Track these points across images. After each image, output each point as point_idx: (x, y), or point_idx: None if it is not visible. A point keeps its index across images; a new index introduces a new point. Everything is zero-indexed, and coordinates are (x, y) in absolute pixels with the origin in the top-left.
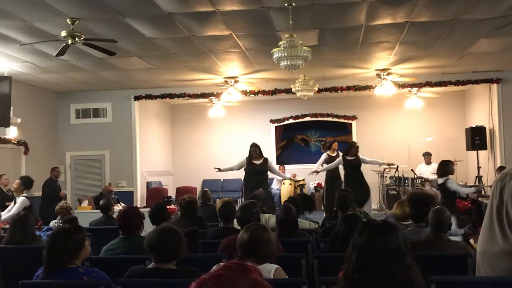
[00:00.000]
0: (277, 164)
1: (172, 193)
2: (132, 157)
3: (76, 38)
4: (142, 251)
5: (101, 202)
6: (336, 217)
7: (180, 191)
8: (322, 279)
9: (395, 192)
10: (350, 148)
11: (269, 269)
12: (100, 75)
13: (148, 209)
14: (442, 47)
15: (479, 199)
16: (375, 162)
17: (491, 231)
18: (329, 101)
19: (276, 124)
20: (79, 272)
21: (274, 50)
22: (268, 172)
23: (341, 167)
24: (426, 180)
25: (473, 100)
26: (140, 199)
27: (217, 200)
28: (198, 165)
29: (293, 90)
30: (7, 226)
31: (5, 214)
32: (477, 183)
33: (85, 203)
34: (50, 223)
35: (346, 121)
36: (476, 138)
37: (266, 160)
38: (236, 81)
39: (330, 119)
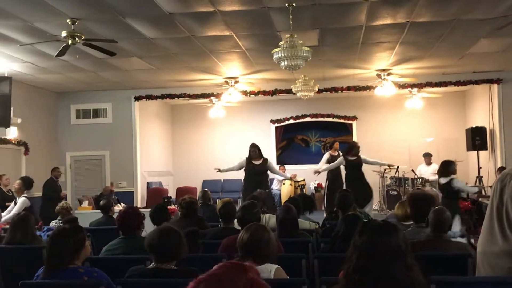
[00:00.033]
0: (277, 164)
1: (172, 193)
2: (132, 157)
3: (76, 39)
4: (143, 251)
5: (101, 202)
6: (337, 218)
7: (180, 191)
8: (323, 279)
9: (395, 193)
10: (351, 148)
11: (270, 269)
12: (101, 76)
13: (148, 210)
14: (442, 47)
15: (480, 199)
16: (375, 163)
17: (491, 231)
18: (329, 102)
19: (276, 125)
20: (80, 272)
21: (275, 50)
22: (269, 173)
23: (342, 167)
24: (427, 180)
25: (474, 101)
26: (140, 199)
27: (217, 200)
28: (198, 165)
29: (293, 90)
30: (8, 226)
31: (5, 215)
32: (477, 184)
33: (85, 204)
34: (51, 223)
35: (346, 121)
36: (477, 138)
37: (265, 160)
38: (236, 82)
39: (330, 119)
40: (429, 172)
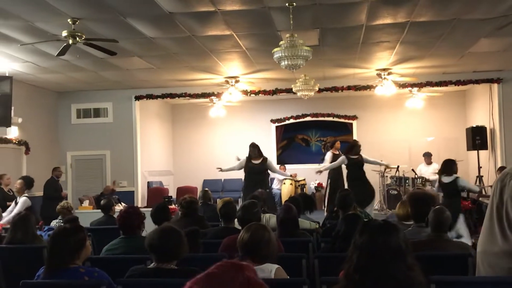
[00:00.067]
0: (277, 164)
1: (173, 193)
2: (133, 157)
3: (77, 38)
4: (143, 251)
5: (102, 202)
6: (337, 217)
7: (180, 191)
8: (323, 279)
9: (395, 192)
10: (353, 147)
11: (270, 269)
12: (101, 75)
13: (149, 209)
14: (442, 47)
15: (480, 199)
16: (375, 162)
17: (491, 231)
18: (329, 101)
19: (276, 124)
20: (80, 272)
21: (275, 50)
22: (270, 172)
23: (343, 166)
24: (427, 180)
25: (474, 100)
26: (141, 199)
27: (217, 200)
28: (199, 165)
29: (293, 90)
30: (8, 226)
31: (6, 215)
32: (477, 183)
33: (86, 203)
34: (51, 223)
35: (346, 121)
36: (477, 138)
37: (265, 159)
38: (236, 81)
39: (330, 119)
40: (429, 171)
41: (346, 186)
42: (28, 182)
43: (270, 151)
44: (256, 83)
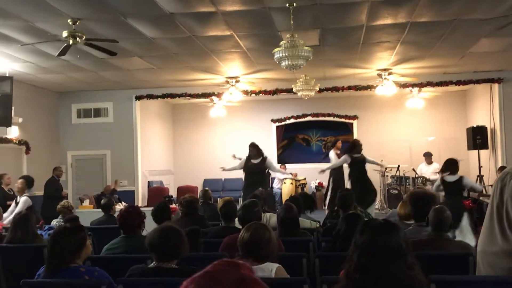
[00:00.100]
0: (278, 163)
1: (173, 192)
2: (133, 156)
3: (78, 38)
4: (143, 250)
5: (102, 201)
6: (337, 216)
7: (181, 190)
8: (324, 278)
9: (396, 192)
10: (354, 146)
11: (271, 268)
12: (101, 75)
13: (149, 209)
14: (443, 47)
15: (480, 198)
16: (374, 162)
17: (491, 230)
18: (330, 101)
19: (277, 124)
20: (81, 271)
21: (275, 50)
22: (271, 172)
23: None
24: (427, 179)
25: (474, 100)
26: (141, 198)
27: (218, 199)
28: (199, 164)
29: (294, 90)
30: (9, 225)
31: (7, 216)
32: (478, 183)
33: (86, 202)
34: (52, 222)
35: (347, 120)
36: (477, 137)
37: (264, 159)
38: (237, 81)
39: (331, 118)
40: (429, 171)
41: (348, 186)
42: (28, 182)
43: (270, 151)
44: (256, 83)
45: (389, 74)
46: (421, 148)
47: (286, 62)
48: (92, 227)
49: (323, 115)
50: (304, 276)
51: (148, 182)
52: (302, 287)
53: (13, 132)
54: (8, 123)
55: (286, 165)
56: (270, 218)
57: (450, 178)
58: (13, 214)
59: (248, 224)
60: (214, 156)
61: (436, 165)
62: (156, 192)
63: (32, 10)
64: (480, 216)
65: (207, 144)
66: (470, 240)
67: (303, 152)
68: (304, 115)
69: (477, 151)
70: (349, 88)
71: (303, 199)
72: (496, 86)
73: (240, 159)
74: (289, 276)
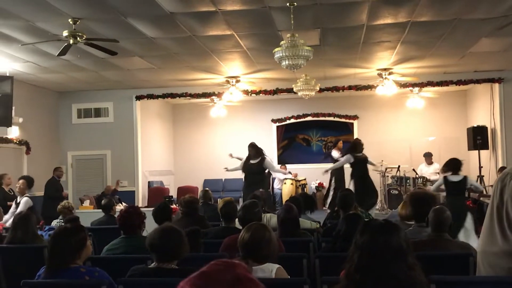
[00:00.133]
0: (278, 163)
1: (173, 192)
2: (133, 156)
3: (78, 38)
4: (144, 251)
5: (103, 201)
6: (338, 217)
7: (181, 190)
8: (324, 278)
9: (396, 192)
10: (356, 145)
11: (271, 269)
12: (102, 75)
13: (149, 209)
14: (443, 46)
15: (481, 198)
16: (371, 163)
17: (491, 231)
18: (330, 101)
19: (277, 124)
20: (81, 271)
21: (276, 49)
22: (272, 172)
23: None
24: (428, 180)
25: (475, 100)
26: (141, 198)
27: (218, 199)
28: (199, 164)
29: (294, 89)
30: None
31: (9, 218)
32: (478, 183)
33: (86, 203)
34: (52, 223)
35: (347, 120)
36: (478, 137)
37: (262, 159)
38: (237, 81)
39: (331, 118)
40: (429, 171)
41: (352, 185)
42: (29, 182)
43: (271, 151)
44: (257, 83)
45: (390, 74)
46: (421, 148)
47: (287, 62)
48: (92, 228)
49: (324, 115)
50: (304, 277)
51: (148, 182)
52: None
53: (13, 132)
54: (8, 123)
55: (287, 165)
56: (271, 218)
57: (454, 178)
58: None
59: (249, 224)
60: (214, 156)
61: (437, 166)
62: (156, 193)
63: (33, 10)
64: (481, 216)
65: (207, 144)
66: (474, 241)
67: (304, 152)
68: (305, 115)
69: (477, 151)
70: (350, 88)
71: (304, 200)
72: (496, 86)
73: (240, 158)
74: (289, 276)
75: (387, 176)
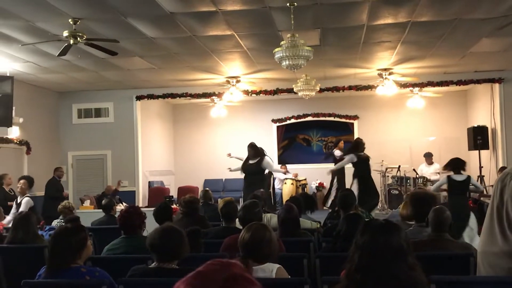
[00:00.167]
0: (278, 163)
1: (174, 192)
2: (134, 156)
3: (78, 38)
4: (144, 251)
5: (103, 201)
6: (338, 217)
7: (182, 190)
8: (324, 278)
9: (397, 192)
10: (358, 145)
11: (271, 269)
12: (102, 75)
13: (150, 209)
14: (443, 46)
15: (481, 198)
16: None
17: (491, 231)
18: (331, 101)
19: (278, 124)
20: (81, 271)
21: (276, 50)
22: (273, 172)
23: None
24: (428, 180)
25: (475, 100)
26: (142, 198)
27: (219, 199)
28: (200, 164)
29: (295, 89)
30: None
31: (11, 220)
32: (479, 183)
33: (87, 203)
34: (53, 223)
35: (348, 120)
36: (478, 137)
37: (260, 159)
38: (238, 81)
39: (332, 118)
40: (430, 171)
41: (355, 185)
42: (30, 182)
43: (271, 151)
44: (257, 83)
45: (390, 74)
46: (421, 148)
47: (287, 62)
48: (93, 228)
49: (324, 115)
50: (304, 277)
51: (149, 182)
52: None
53: (13, 132)
54: (9, 123)
55: (287, 165)
56: (271, 218)
57: (459, 178)
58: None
59: (249, 224)
60: (214, 156)
61: (437, 166)
62: (157, 193)
63: (33, 10)
64: (481, 216)
65: (207, 144)
66: (478, 241)
67: (304, 152)
68: (305, 115)
69: (477, 151)
70: (350, 88)
71: (304, 200)
72: (497, 86)
73: (239, 158)
74: (289, 276)
75: (388, 176)
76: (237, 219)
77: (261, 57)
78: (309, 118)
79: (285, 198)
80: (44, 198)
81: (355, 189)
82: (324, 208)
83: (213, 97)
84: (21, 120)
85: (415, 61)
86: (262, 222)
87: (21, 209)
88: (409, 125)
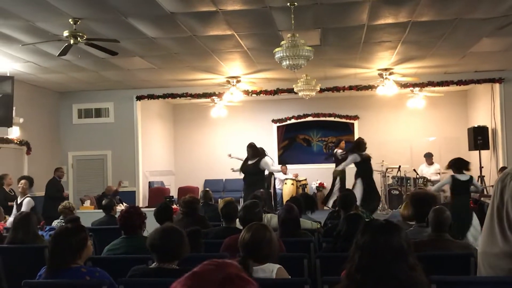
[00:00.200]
0: (279, 164)
1: (174, 193)
2: (134, 157)
3: (79, 38)
4: (144, 251)
5: (103, 202)
6: (338, 217)
7: (182, 191)
8: (325, 279)
9: (397, 192)
10: (360, 144)
11: (271, 269)
12: (102, 75)
13: (150, 209)
14: (444, 46)
15: (482, 198)
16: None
17: (491, 231)
18: (331, 101)
19: (278, 124)
20: (82, 271)
21: (276, 49)
22: (274, 173)
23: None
24: (429, 180)
25: (476, 100)
26: (142, 199)
27: (219, 200)
28: (200, 165)
29: (295, 90)
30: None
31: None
32: (479, 183)
33: (87, 203)
34: (53, 223)
35: (348, 121)
36: (479, 138)
37: (259, 160)
38: (238, 81)
39: (332, 119)
40: (430, 172)
41: (359, 185)
42: (30, 182)
43: (271, 151)
44: (257, 83)
45: (390, 74)
46: (422, 148)
47: (287, 62)
48: (93, 228)
49: (324, 115)
50: (305, 277)
51: (149, 182)
52: None
53: (14, 133)
54: (9, 123)
55: (287, 165)
56: (271, 218)
57: (463, 177)
58: None
59: (249, 224)
60: (215, 156)
61: (437, 166)
62: (157, 193)
63: (33, 10)
64: (481, 217)
65: (208, 144)
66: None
67: (304, 152)
68: (305, 115)
69: (478, 151)
70: (350, 88)
71: (304, 200)
72: (497, 86)
73: (239, 159)
74: (290, 276)
75: (388, 176)
76: (237, 219)
77: (261, 57)
78: (310, 118)
79: (285, 198)
80: (44, 198)
81: (359, 189)
82: (325, 208)
83: (214, 97)
84: (21, 120)
85: (416, 61)
86: (262, 222)
87: (22, 209)
88: (409, 125)
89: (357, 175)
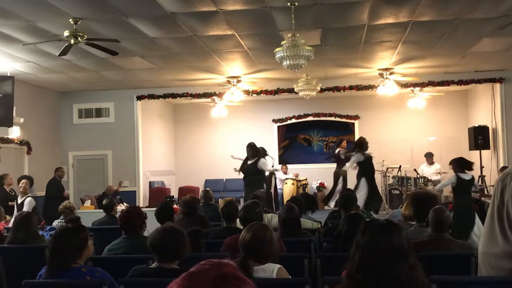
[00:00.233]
0: (279, 163)
1: (174, 193)
2: (134, 157)
3: (79, 38)
4: (145, 251)
5: (104, 201)
6: (339, 217)
7: (182, 190)
8: (325, 278)
9: (397, 192)
10: (362, 143)
11: (272, 269)
12: (103, 75)
13: (150, 209)
14: (444, 46)
15: (482, 198)
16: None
17: (492, 231)
18: (331, 101)
19: (278, 124)
20: (82, 271)
21: (277, 49)
22: (275, 172)
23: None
24: (429, 180)
25: (476, 100)
26: (142, 199)
27: (219, 200)
28: (200, 164)
29: (295, 89)
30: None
31: None
32: (480, 183)
33: (87, 203)
34: (53, 223)
35: (348, 120)
36: (479, 137)
37: (257, 160)
38: (238, 81)
39: (332, 118)
40: (430, 171)
41: (364, 184)
42: (30, 181)
43: (272, 151)
44: (258, 83)
45: (391, 73)
46: (422, 148)
47: (288, 62)
48: (93, 228)
49: (325, 115)
50: (305, 277)
51: (150, 182)
52: None
53: (14, 132)
54: (9, 123)
55: (288, 165)
56: (272, 218)
57: (467, 177)
58: None
59: (250, 224)
60: (215, 156)
61: (438, 166)
62: (158, 193)
63: (34, 10)
64: (482, 217)
65: (208, 144)
66: None
67: (304, 152)
68: (306, 115)
69: (478, 151)
70: (351, 88)
71: (305, 200)
72: (497, 85)
73: (240, 159)
74: (290, 276)
75: (388, 176)
76: (237, 219)
77: (261, 57)
78: (310, 118)
79: (286, 198)
80: (44, 198)
81: (363, 188)
82: (325, 208)
83: (214, 97)
84: (21, 120)
85: (416, 61)
86: (263, 222)
87: (24, 209)
88: (410, 125)
89: (360, 175)
